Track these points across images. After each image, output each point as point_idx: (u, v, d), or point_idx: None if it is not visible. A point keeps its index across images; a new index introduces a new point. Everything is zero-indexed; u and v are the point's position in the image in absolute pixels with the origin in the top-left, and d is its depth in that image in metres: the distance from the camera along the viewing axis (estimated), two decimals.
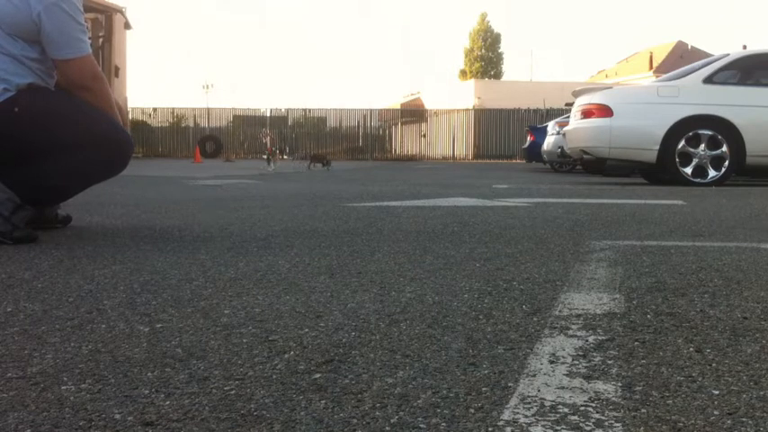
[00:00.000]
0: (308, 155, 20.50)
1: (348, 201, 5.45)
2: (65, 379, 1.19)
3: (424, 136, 36.19)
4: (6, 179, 2.85)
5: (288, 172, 12.82)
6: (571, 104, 10.72)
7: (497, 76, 57.56)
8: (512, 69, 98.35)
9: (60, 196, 3.25)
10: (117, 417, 1.02)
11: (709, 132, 8.34)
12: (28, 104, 2.94)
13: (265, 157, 14.82)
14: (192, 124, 34.40)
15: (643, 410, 1.06)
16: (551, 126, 16.05)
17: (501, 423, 1.00)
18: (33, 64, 2.98)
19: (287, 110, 35.20)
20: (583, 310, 1.72)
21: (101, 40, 25.07)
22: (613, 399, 1.10)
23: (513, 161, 29.26)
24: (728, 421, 1.02)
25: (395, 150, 36.78)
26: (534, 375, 1.21)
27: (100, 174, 3.23)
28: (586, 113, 9.06)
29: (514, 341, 1.43)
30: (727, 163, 8.34)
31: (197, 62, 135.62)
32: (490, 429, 0.99)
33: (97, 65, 3.18)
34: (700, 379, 1.20)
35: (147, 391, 1.13)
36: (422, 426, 1.00)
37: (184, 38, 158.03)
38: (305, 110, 35.34)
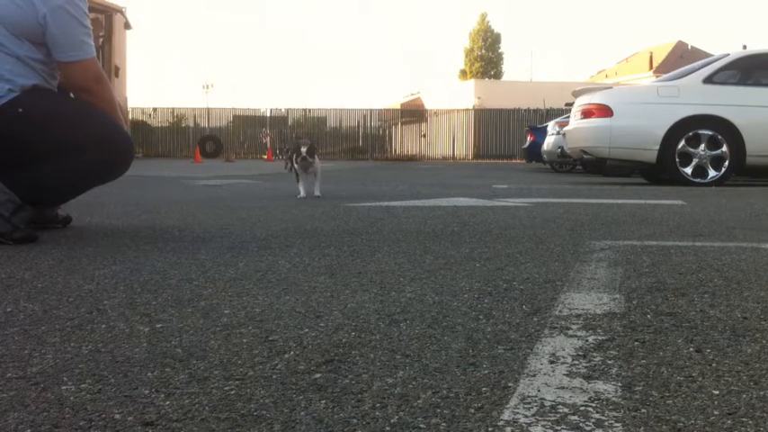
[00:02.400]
0: (284, 149, 14.05)
1: (348, 201, 5.45)
2: (65, 379, 1.19)
3: (424, 136, 36.20)
4: (7, 179, 2.86)
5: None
6: (571, 104, 10.72)
7: (497, 76, 57.57)
8: (512, 69, 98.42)
9: (61, 197, 3.25)
10: (117, 417, 1.02)
11: (710, 132, 8.34)
12: (32, 106, 2.94)
13: (289, 166, 6.69)
14: (192, 124, 34.40)
15: (643, 410, 1.06)
16: (551, 126, 16.04)
17: (501, 423, 1.00)
18: (38, 65, 2.99)
19: (287, 110, 35.22)
20: (583, 310, 1.72)
21: (101, 40, 25.05)
22: (613, 399, 1.10)
23: (513, 161, 29.26)
24: (728, 421, 1.02)
25: (395, 150, 36.79)
26: (534, 375, 1.21)
27: (101, 176, 3.23)
28: (586, 113, 9.06)
29: (514, 341, 1.43)
30: (727, 163, 8.33)
31: (197, 62, 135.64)
32: (490, 429, 0.99)
33: (100, 67, 3.19)
34: (700, 379, 1.20)
35: (147, 391, 1.13)
36: (422, 426, 1.00)
37: (184, 38, 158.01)
38: (305, 110, 35.36)
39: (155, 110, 34.18)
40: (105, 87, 3.16)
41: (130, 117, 29.35)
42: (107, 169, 3.19)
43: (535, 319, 1.63)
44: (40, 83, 3.00)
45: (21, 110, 2.91)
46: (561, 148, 13.39)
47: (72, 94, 3.18)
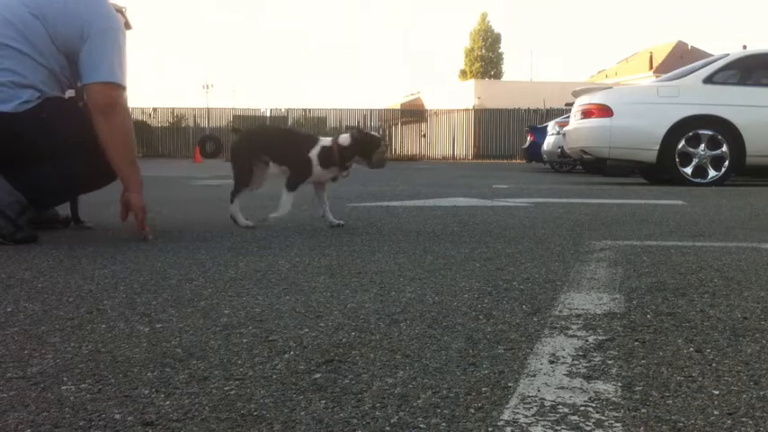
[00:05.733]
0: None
1: (348, 201, 5.45)
2: (65, 379, 1.19)
3: (424, 136, 36.19)
4: (11, 179, 2.86)
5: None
6: (571, 104, 10.72)
7: (497, 76, 57.57)
8: (512, 69, 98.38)
9: (60, 198, 3.27)
10: (117, 417, 1.02)
11: (710, 132, 8.34)
12: (54, 111, 3.00)
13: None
14: (192, 124, 34.40)
15: (643, 410, 1.06)
16: (551, 126, 16.04)
17: (501, 423, 1.00)
18: (64, 80, 3.08)
19: (287, 110, 35.20)
20: (583, 310, 1.72)
21: None
22: (613, 399, 1.10)
23: (513, 161, 29.26)
24: (728, 421, 1.02)
25: (395, 150, 36.76)
26: (534, 375, 1.21)
27: (101, 179, 3.21)
28: (586, 113, 9.06)
29: (514, 341, 1.43)
30: (727, 163, 8.34)
31: (197, 62, 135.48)
32: (490, 429, 0.99)
33: (119, 99, 3.05)
34: (700, 379, 1.20)
35: (147, 391, 1.13)
36: (422, 426, 1.00)
37: (184, 38, 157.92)
38: (305, 110, 35.35)
39: (155, 110, 34.16)
40: (114, 120, 3.01)
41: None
42: (108, 173, 3.17)
43: (535, 319, 1.63)
44: (60, 95, 3.11)
45: (44, 115, 2.98)
46: (561, 148, 13.37)
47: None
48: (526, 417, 1.02)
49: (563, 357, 1.32)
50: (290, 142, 3.54)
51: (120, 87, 3.05)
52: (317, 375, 1.21)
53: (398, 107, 42.26)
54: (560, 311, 1.70)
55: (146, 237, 3.02)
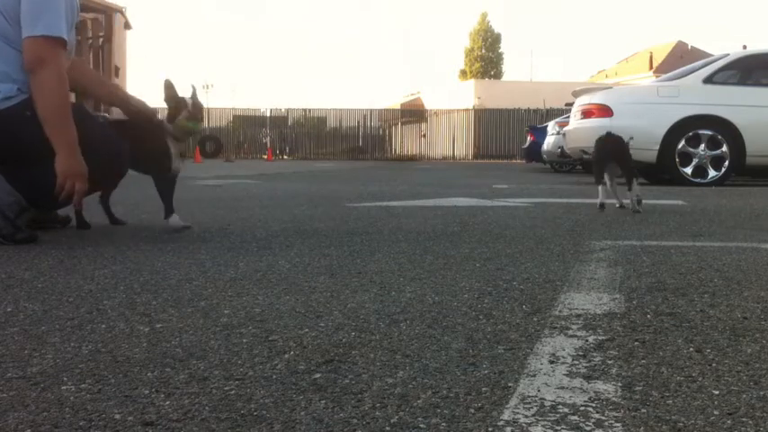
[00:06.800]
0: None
1: (348, 201, 5.45)
2: (65, 379, 1.19)
3: (424, 136, 36.21)
4: (11, 179, 2.84)
5: (288, 173, 12.77)
6: (571, 104, 10.72)
7: (497, 76, 57.55)
8: (512, 69, 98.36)
9: (58, 202, 3.21)
10: (117, 417, 1.02)
11: (709, 132, 8.34)
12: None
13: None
14: None
15: (643, 410, 1.06)
16: (551, 126, 16.03)
17: (501, 423, 1.00)
18: None
19: (287, 110, 35.22)
20: (583, 310, 1.72)
21: (101, 40, 25.03)
22: (613, 399, 1.10)
23: (513, 161, 29.26)
24: (728, 421, 1.02)
25: (395, 150, 36.81)
26: (534, 375, 1.21)
27: (99, 181, 3.18)
28: (586, 113, 9.06)
29: (514, 341, 1.43)
30: (727, 163, 8.34)
31: (197, 62, 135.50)
32: (490, 429, 0.99)
33: (54, 53, 2.81)
34: (700, 379, 1.20)
35: (147, 391, 1.13)
36: (422, 426, 1.00)
37: (184, 38, 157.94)
38: (305, 110, 35.37)
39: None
40: (40, 77, 2.78)
41: None
42: (104, 175, 3.14)
43: (535, 319, 1.63)
44: None
45: (29, 113, 2.86)
46: (561, 148, 13.36)
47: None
48: (526, 417, 1.03)
49: (563, 357, 1.32)
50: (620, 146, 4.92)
51: (52, 41, 2.79)
52: (317, 375, 1.21)
53: (398, 107, 42.29)
54: (560, 311, 1.70)
55: (75, 205, 2.99)
